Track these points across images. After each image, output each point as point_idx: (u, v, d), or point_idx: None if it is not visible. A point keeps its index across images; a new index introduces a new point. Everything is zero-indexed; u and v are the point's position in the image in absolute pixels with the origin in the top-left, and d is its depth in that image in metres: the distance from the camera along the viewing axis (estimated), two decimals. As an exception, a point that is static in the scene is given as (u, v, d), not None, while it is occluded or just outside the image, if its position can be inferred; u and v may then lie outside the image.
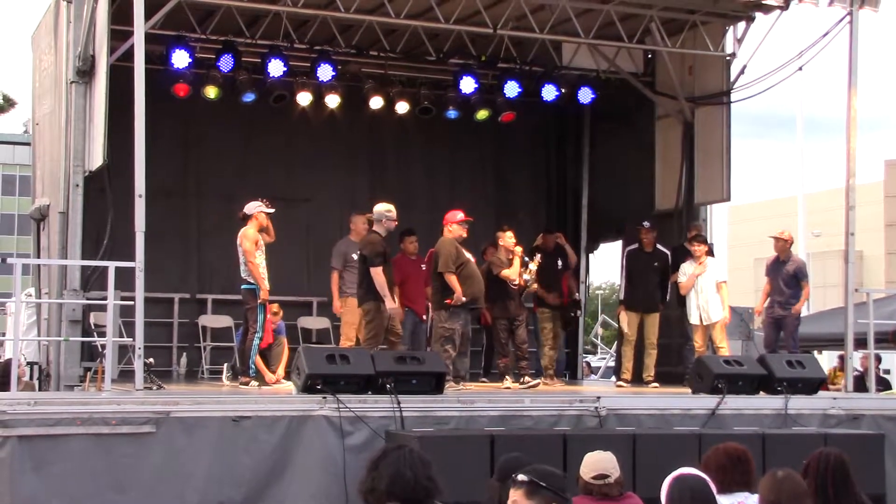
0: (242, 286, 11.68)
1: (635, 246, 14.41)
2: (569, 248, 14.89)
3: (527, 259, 13.21)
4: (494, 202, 17.45)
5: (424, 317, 12.95)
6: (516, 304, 13.18)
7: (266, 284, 11.54)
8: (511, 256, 13.05)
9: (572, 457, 8.08)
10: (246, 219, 11.75)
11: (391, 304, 11.49)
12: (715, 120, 15.25)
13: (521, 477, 4.83)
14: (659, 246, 14.20)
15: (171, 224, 15.49)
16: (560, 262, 14.35)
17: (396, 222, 12.05)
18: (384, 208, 11.91)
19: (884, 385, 17.10)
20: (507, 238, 13.15)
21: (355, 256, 12.63)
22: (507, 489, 6.16)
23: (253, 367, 11.66)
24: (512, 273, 12.92)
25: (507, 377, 12.73)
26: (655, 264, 14.09)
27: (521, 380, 12.72)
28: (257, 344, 11.63)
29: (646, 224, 14.22)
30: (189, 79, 14.46)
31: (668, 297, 14.04)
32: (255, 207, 11.76)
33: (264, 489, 9.14)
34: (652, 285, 14.00)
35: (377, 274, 11.45)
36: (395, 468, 5.35)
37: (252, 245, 11.52)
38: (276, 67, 14.54)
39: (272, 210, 11.87)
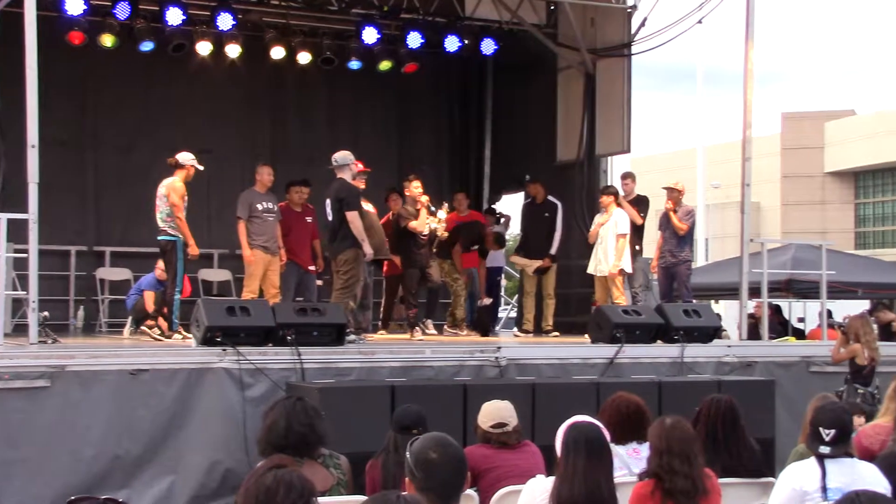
0: (160, 237, 11.51)
1: (529, 199, 14.62)
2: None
3: (433, 208, 13.21)
4: (397, 153, 17.45)
5: (311, 267, 12.85)
6: (426, 252, 13.22)
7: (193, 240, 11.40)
8: (418, 207, 13.04)
9: (472, 406, 8.13)
10: (176, 167, 11.55)
11: (368, 249, 11.27)
12: (616, 72, 15.35)
13: None
14: (550, 197, 14.31)
15: (68, 175, 15.20)
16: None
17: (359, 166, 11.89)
18: (347, 154, 11.63)
19: (778, 333, 17.50)
20: (414, 188, 13.12)
21: (260, 207, 12.49)
22: (404, 439, 6.24)
23: (177, 321, 11.51)
24: (419, 225, 12.92)
25: (417, 327, 12.73)
26: (546, 215, 14.22)
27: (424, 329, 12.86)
28: (178, 298, 11.49)
29: (528, 177, 14.39)
30: (84, 26, 14.15)
31: (555, 248, 14.08)
32: (189, 159, 11.57)
33: (163, 442, 9.06)
34: (542, 236, 14.13)
35: (355, 218, 11.22)
36: (273, 418, 5.41)
37: (180, 199, 11.35)
38: (174, 16, 14.30)
39: (202, 168, 11.68)
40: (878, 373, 11.35)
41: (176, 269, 11.37)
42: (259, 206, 12.48)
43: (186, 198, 11.51)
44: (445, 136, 18.07)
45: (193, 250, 11.33)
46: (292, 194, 12.98)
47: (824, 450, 5.44)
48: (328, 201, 11.51)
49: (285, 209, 12.82)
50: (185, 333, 11.20)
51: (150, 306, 12.58)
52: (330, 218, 11.48)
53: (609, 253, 13.34)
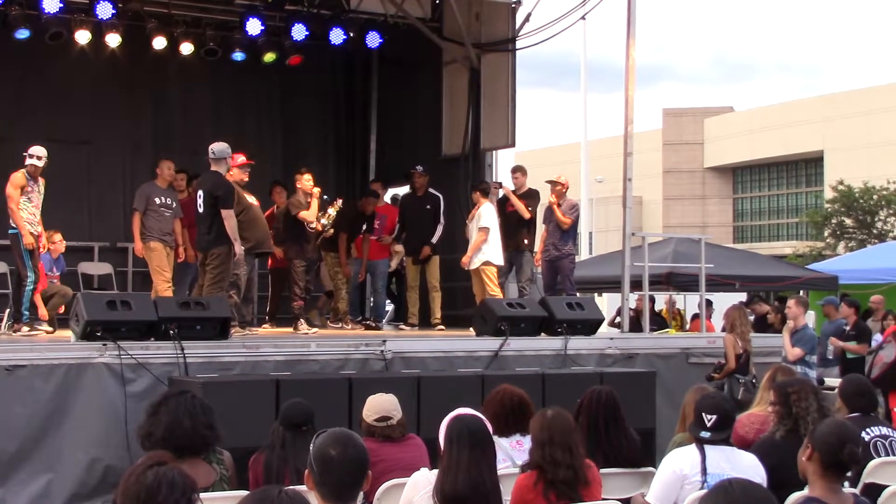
0: (9, 230, 11.29)
1: (409, 191, 14.66)
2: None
3: (326, 197, 13.13)
4: (282, 146, 17.30)
5: None
6: (312, 246, 13.14)
7: (28, 230, 11.10)
8: (309, 199, 12.95)
9: (357, 400, 8.11)
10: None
11: (239, 249, 11.12)
12: (501, 67, 15.45)
13: None
14: (431, 190, 14.36)
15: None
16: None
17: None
18: (225, 146, 11.39)
19: (659, 324, 17.83)
20: (305, 180, 13.03)
21: (157, 201, 12.27)
22: (293, 436, 6.21)
23: (26, 314, 11.25)
24: (310, 215, 12.84)
25: (301, 321, 12.65)
26: (427, 207, 14.26)
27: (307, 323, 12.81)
28: (31, 290, 11.23)
29: (418, 168, 14.41)
30: (-46, 12, 13.72)
31: (436, 238, 14.12)
32: (28, 155, 11.31)
33: (40, 440, 8.86)
34: (425, 229, 14.16)
35: (229, 216, 11.04)
36: (174, 416, 5.29)
37: (15, 190, 11.10)
38: (51, 3, 13.93)
39: (40, 164, 11.34)
40: (755, 363, 11.66)
41: (23, 262, 11.14)
42: (157, 201, 12.29)
43: (35, 188, 11.25)
44: (331, 129, 17.96)
45: (25, 240, 11.10)
46: (195, 186, 12.82)
47: (705, 434, 5.59)
48: (200, 193, 11.35)
49: (187, 203, 12.64)
50: (34, 327, 11.05)
51: (38, 301, 12.25)
52: (201, 210, 11.33)
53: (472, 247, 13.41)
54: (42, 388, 8.93)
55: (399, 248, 14.74)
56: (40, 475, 8.82)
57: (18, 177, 11.21)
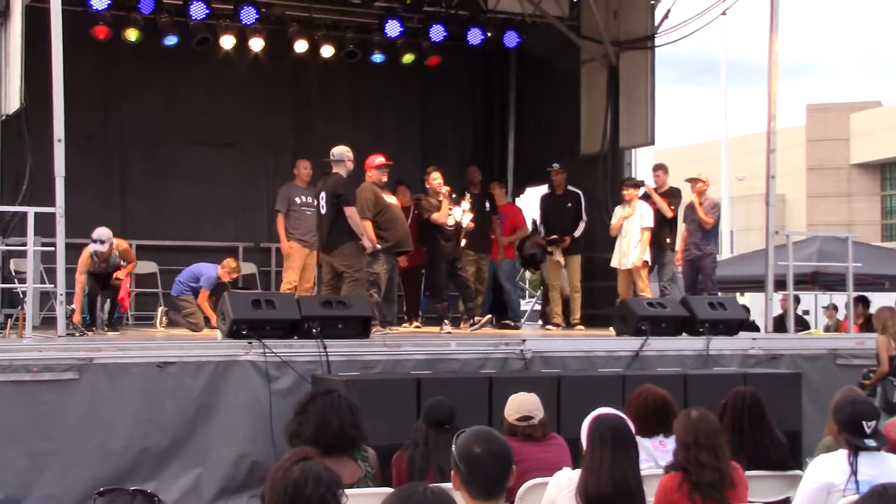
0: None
1: (548, 190, 14.55)
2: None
3: (454, 196, 13.17)
4: (421, 147, 17.44)
5: None
6: (453, 245, 13.19)
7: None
8: (440, 198, 13.01)
9: (498, 399, 8.13)
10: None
11: (367, 243, 11.29)
12: (639, 64, 15.31)
13: None
14: (570, 187, 14.22)
15: (93, 169, 15.26)
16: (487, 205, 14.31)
17: (354, 163, 11.93)
18: (344, 149, 11.56)
19: (802, 325, 17.43)
20: (433, 179, 13.08)
21: (298, 201, 12.55)
22: (436, 433, 6.25)
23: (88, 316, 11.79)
24: (441, 216, 12.90)
25: (446, 321, 12.75)
26: (568, 205, 14.14)
27: (472, 320, 12.86)
28: (85, 295, 11.82)
29: (554, 166, 14.24)
30: (109, 21, 14.24)
31: (579, 232, 13.98)
32: (95, 236, 11.73)
33: (190, 434, 9.10)
34: (567, 228, 14.02)
35: (353, 213, 11.19)
36: (322, 415, 5.38)
37: (80, 275, 11.54)
38: (198, 9, 14.39)
39: (103, 248, 11.71)
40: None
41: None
42: (297, 200, 12.60)
43: (95, 267, 11.72)
44: (469, 129, 18.05)
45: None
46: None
47: (870, 443, 5.37)
48: (323, 195, 11.48)
49: None
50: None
51: (205, 305, 12.56)
52: (324, 212, 11.46)
53: (633, 246, 13.28)
54: (191, 385, 9.16)
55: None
56: (190, 469, 9.05)
57: (85, 259, 11.66)
